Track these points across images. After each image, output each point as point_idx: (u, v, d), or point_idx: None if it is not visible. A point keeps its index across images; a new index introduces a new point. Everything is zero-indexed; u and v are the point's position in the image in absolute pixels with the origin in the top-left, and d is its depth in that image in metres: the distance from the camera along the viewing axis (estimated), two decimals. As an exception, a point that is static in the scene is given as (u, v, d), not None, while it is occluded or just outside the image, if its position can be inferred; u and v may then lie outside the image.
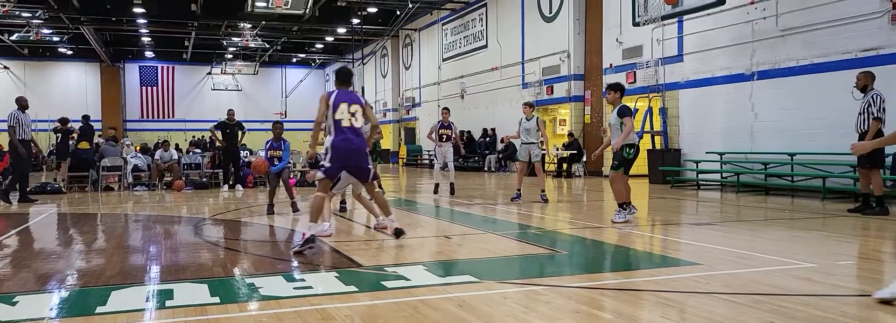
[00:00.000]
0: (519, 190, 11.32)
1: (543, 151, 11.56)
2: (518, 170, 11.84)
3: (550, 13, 20.73)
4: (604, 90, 9.69)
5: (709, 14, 13.81)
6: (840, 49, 11.53)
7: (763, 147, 13.03)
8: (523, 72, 22.27)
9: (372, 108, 8.45)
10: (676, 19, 14.97)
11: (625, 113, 7.88)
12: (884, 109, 8.43)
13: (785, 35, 12.61)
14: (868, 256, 6.00)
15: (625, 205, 7.98)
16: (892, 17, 10.64)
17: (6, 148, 14.32)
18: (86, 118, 16.78)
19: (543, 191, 11.21)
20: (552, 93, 20.64)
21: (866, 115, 8.48)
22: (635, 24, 14.85)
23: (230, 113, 15.35)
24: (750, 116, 13.49)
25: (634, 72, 16.82)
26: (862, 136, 8.49)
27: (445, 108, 13.01)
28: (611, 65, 17.81)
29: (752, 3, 13.12)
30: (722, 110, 14.29)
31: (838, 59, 11.57)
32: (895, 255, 5.98)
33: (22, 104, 12.04)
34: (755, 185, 13.02)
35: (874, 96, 8.46)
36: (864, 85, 8.64)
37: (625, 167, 8.04)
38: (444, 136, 12.76)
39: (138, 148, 19.90)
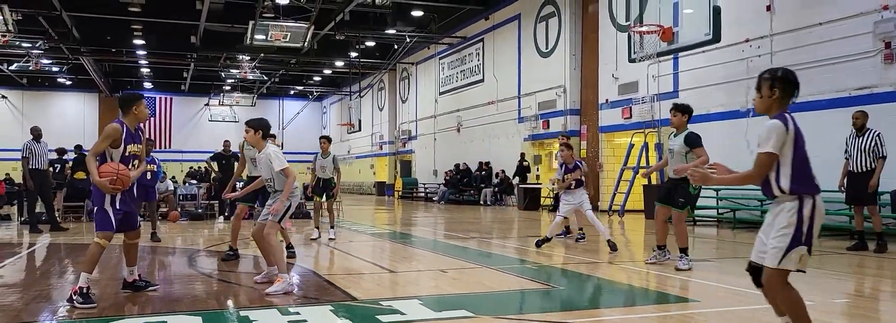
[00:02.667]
0: (568, 228, 10.38)
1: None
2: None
3: (547, 48, 21.00)
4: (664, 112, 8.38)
5: (704, 51, 14.00)
6: (834, 87, 11.67)
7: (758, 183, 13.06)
8: (519, 106, 22.44)
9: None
10: (672, 56, 15.16)
11: (696, 143, 6.92)
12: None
13: (779, 73, 12.75)
14: (864, 294, 5.98)
15: (686, 250, 6.97)
16: (885, 56, 10.82)
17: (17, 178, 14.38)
18: (78, 148, 16.77)
19: (581, 229, 10.17)
20: (548, 127, 20.76)
21: (869, 154, 8.56)
22: (631, 61, 15.05)
23: (226, 144, 15.36)
24: (745, 153, 13.53)
25: (630, 107, 16.96)
26: (863, 175, 8.57)
27: (565, 145, 9.48)
28: (607, 100, 17.97)
29: (747, 41, 13.32)
30: (717, 146, 14.29)
31: (832, 97, 11.71)
32: (892, 293, 5.96)
33: (36, 134, 12.08)
34: (751, 221, 13.01)
35: (879, 135, 8.57)
36: (863, 124, 8.74)
37: (691, 204, 7.18)
38: (576, 183, 9.21)
39: (134, 178, 19.83)
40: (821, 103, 11.91)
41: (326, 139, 10.61)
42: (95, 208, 5.32)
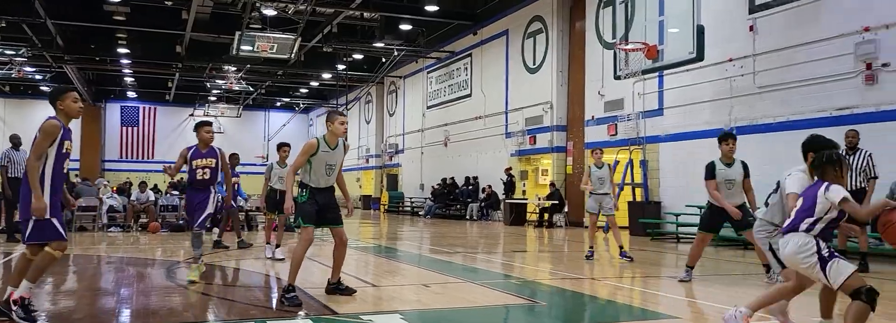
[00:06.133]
0: (592, 247, 10.00)
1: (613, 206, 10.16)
2: (590, 224, 10.31)
3: (534, 65, 21.11)
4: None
5: (688, 70, 14.11)
6: (815, 107, 11.79)
7: (741, 201, 13.14)
8: (507, 121, 22.49)
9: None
10: (657, 74, 15.28)
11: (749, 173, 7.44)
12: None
13: (762, 92, 12.90)
14: (844, 312, 5.98)
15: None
16: (866, 77, 10.95)
17: None
18: None
19: (622, 247, 9.76)
20: (535, 143, 20.81)
21: (859, 173, 8.60)
22: (617, 78, 15.10)
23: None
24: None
25: (616, 124, 17.04)
26: (853, 194, 8.53)
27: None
28: (593, 117, 18.05)
29: (731, 60, 13.46)
30: (702, 164, 14.33)
31: (814, 117, 11.82)
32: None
33: (15, 142, 11.92)
34: (734, 239, 13.04)
35: (870, 155, 8.61)
36: (856, 143, 8.79)
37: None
38: None
39: (115, 188, 19.63)
40: (803, 123, 12.02)
41: (288, 146, 9.83)
42: (33, 218, 4.61)
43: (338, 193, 6.17)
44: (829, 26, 11.60)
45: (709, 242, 7.52)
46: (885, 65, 10.73)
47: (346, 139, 6.19)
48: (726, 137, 7.43)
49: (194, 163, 7.16)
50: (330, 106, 38.37)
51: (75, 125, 43.15)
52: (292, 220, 7.65)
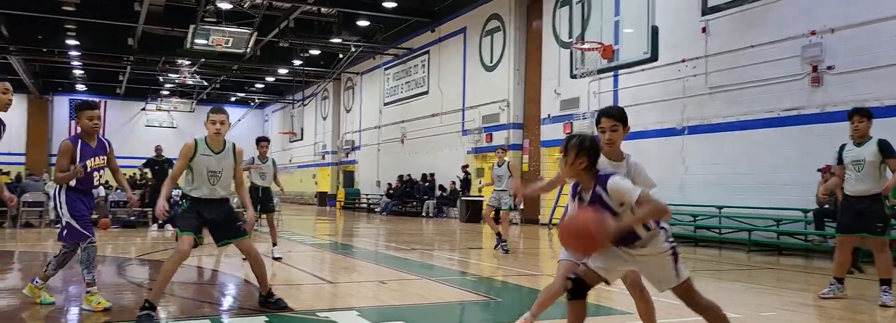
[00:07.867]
0: (499, 235, 10.42)
1: (515, 202, 10.58)
2: (486, 216, 11.09)
3: (491, 62, 21.21)
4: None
5: (643, 70, 14.37)
6: (764, 108, 12.14)
7: (692, 199, 13.44)
8: (463, 119, 22.57)
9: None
10: (612, 73, 15.52)
11: (892, 151, 5.90)
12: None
13: (713, 93, 13.22)
14: (789, 308, 6.19)
15: (890, 282, 5.98)
16: (812, 79, 11.31)
17: None
18: None
19: (505, 241, 10.28)
20: (491, 140, 20.92)
21: None
22: (573, 77, 15.30)
23: (158, 149, 15.01)
24: (680, 169, 13.94)
25: (571, 123, 17.25)
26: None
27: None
28: (549, 115, 18.24)
29: (683, 61, 13.74)
30: (654, 162, 14.67)
31: (763, 117, 12.16)
32: (815, 307, 6.19)
33: None
34: (685, 236, 13.35)
35: None
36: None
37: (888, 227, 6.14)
38: None
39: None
40: (752, 123, 12.37)
41: (266, 141, 9.40)
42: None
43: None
44: (778, 29, 11.94)
45: (853, 244, 6.33)
46: (830, 67, 11.10)
47: (237, 145, 5.28)
48: (852, 114, 6.08)
49: (88, 163, 5.19)
50: (286, 102, 37.94)
51: (21, 118, 41.57)
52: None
